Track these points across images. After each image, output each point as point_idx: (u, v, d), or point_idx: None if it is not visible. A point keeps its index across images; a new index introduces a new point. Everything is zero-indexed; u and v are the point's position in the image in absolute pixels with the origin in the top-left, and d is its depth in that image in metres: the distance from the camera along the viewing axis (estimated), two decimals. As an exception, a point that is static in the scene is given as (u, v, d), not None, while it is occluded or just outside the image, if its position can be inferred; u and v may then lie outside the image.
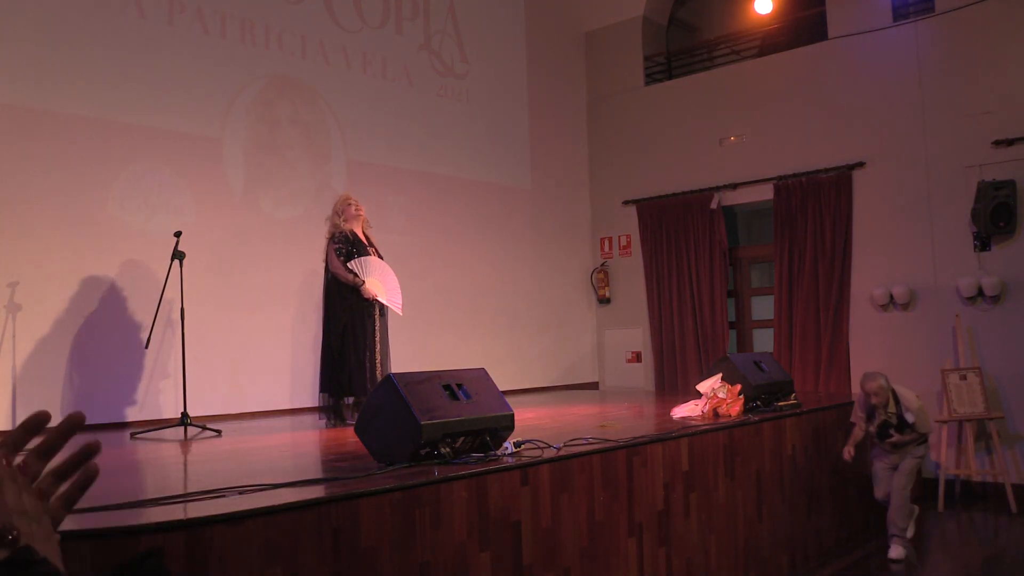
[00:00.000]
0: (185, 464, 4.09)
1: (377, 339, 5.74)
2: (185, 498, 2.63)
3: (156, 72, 6.11)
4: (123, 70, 5.95)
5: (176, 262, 5.39)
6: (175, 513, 2.42)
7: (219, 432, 5.11)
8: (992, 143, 7.03)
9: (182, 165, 6.20)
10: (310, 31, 7.08)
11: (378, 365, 5.71)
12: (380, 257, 5.95)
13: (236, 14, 6.60)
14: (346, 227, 5.79)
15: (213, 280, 6.18)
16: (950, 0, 7.29)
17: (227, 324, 6.28)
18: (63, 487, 0.79)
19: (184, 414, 5.25)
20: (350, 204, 5.91)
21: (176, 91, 6.21)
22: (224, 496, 2.60)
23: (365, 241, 5.88)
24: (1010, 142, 6.95)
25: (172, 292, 5.43)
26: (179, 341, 5.46)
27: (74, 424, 0.78)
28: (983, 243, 7.03)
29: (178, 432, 5.18)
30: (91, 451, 0.79)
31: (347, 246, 5.74)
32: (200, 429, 5.22)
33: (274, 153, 6.78)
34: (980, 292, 7.01)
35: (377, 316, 5.78)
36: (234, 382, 6.29)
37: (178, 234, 5.45)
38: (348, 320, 5.69)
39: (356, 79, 7.41)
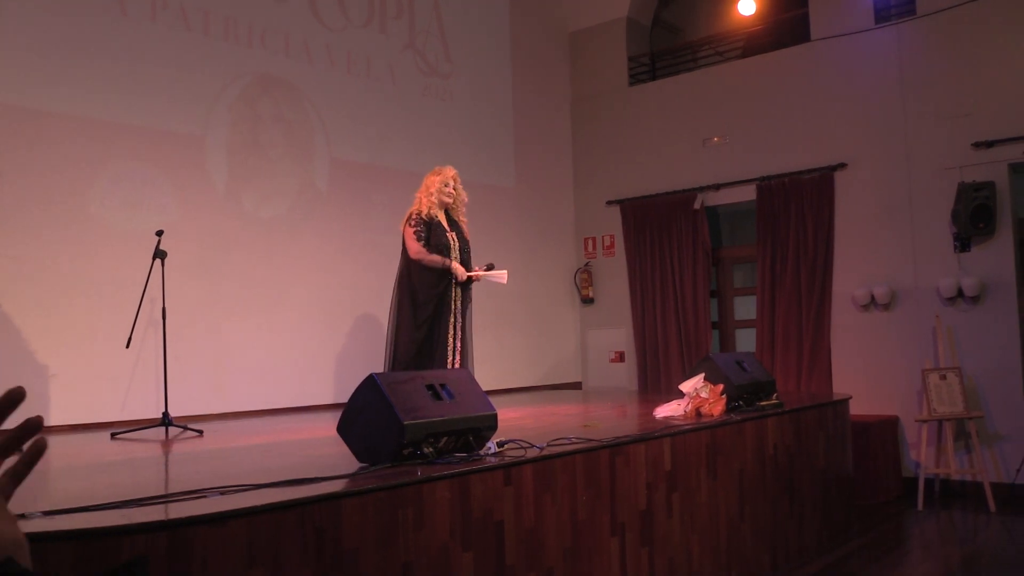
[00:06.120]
0: (166, 464, 4.06)
1: (455, 337, 5.47)
2: (166, 499, 2.62)
3: (138, 69, 6.07)
4: (105, 67, 5.91)
5: (158, 261, 5.35)
6: (156, 514, 2.40)
7: (201, 432, 5.08)
8: (972, 145, 7.09)
9: (164, 163, 6.16)
10: (294, 29, 7.06)
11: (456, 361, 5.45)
12: (466, 241, 5.68)
13: (219, 12, 6.56)
14: (430, 211, 5.49)
15: (195, 279, 6.15)
16: (932, 3, 7.35)
17: (209, 323, 6.25)
18: (9, 462, 0.79)
19: (165, 414, 5.22)
20: (448, 184, 5.55)
21: (158, 89, 6.17)
22: (206, 496, 2.58)
23: (447, 227, 5.58)
24: (990, 144, 7.01)
25: (154, 291, 5.40)
26: (160, 340, 5.43)
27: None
28: (963, 244, 7.09)
29: (159, 432, 5.16)
30: (33, 426, 0.79)
31: (425, 229, 5.46)
32: (181, 429, 5.19)
33: (257, 152, 6.75)
34: (960, 292, 7.07)
35: (458, 313, 5.51)
36: (216, 382, 6.26)
37: (160, 233, 5.42)
38: (433, 311, 5.42)
39: (340, 78, 7.39)
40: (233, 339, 6.40)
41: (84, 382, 5.64)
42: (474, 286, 5.76)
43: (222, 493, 2.63)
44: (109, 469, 3.82)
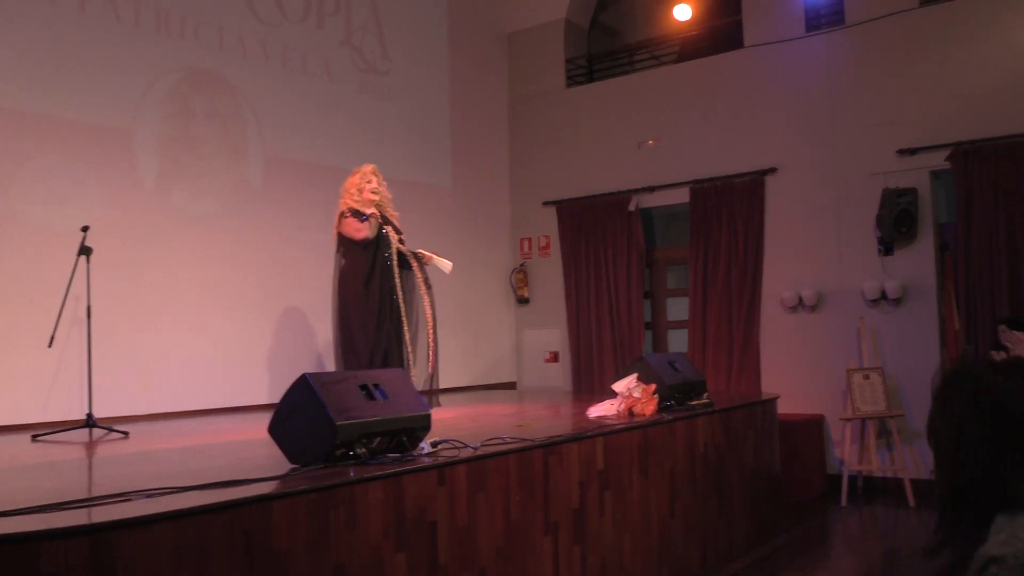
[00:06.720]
0: (90, 467, 3.96)
1: (406, 319, 5.43)
2: (89, 503, 2.55)
3: (65, 59, 5.89)
4: (30, 56, 5.72)
5: (83, 257, 5.21)
6: (78, 518, 2.34)
7: (126, 434, 4.96)
8: (896, 152, 7.32)
9: (91, 158, 5.99)
10: (228, 23, 6.93)
11: (407, 346, 5.41)
12: (399, 234, 5.66)
13: (150, 3, 6.41)
14: (359, 207, 5.49)
15: (122, 277, 5.99)
16: (859, 13, 7.57)
17: (136, 323, 6.10)
18: None
19: (89, 415, 5.09)
20: (369, 181, 5.54)
21: (85, 80, 6.00)
22: (130, 500, 2.53)
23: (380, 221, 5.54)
24: (913, 151, 7.24)
25: (78, 288, 5.25)
26: (85, 339, 5.29)
27: None
28: (886, 248, 7.32)
29: (83, 434, 5.02)
30: None
31: (360, 219, 5.43)
32: (106, 431, 5.06)
33: (188, 147, 6.61)
34: (883, 295, 7.29)
35: (406, 299, 5.47)
36: (143, 382, 6.11)
37: (85, 229, 5.28)
38: (372, 304, 5.39)
39: (275, 73, 7.28)
40: (161, 338, 6.25)
41: (4, 382, 5.45)
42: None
43: (148, 496, 2.58)
44: (29, 472, 3.71)
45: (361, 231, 5.41)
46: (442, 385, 8.21)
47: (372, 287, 5.46)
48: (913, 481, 6.87)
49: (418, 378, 5.53)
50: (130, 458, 4.04)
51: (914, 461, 7.12)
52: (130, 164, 6.24)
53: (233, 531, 2.48)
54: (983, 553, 1.34)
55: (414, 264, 5.63)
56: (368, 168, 5.72)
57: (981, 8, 7.07)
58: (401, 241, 5.70)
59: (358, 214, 5.47)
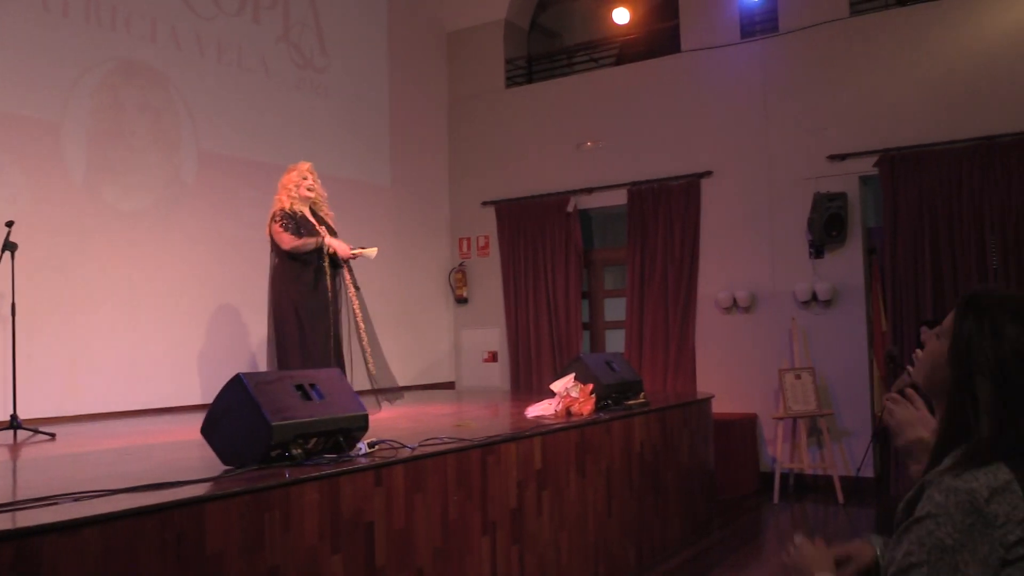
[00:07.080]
0: (14, 470, 3.84)
1: (334, 322, 5.39)
2: (13, 506, 2.48)
3: (-13, 50, 5.70)
4: (-51, 46, 5.52)
5: (7, 253, 5.05)
6: (2, 523, 2.27)
7: (53, 435, 4.82)
8: (827, 157, 7.51)
9: (16, 150, 5.80)
10: (161, 15, 6.77)
11: (335, 349, 5.38)
12: (335, 233, 5.60)
13: (79, -7, 6.23)
14: (293, 206, 5.45)
15: (49, 273, 5.82)
16: (793, 21, 7.74)
17: (63, 321, 5.92)
18: None
19: (14, 416, 4.93)
20: (306, 178, 5.51)
21: (11, 70, 5.80)
22: (57, 503, 2.46)
23: (314, 221, 5.51)
24: (843, 157, 7.44)
25: (2, 286, 5.09)
26: (9, 338, 5.12)
27: None
28: (817, 251, 7.50)
29: (7, 436, 4.86)
30: None
31: (293, 223, 5.38)
32: (32, 432, 4.91)
33: (119, 141, 6.44)
34: (814, 296, 7.47)
35: (333, 299, 5.42)
36: (71, 382, 5.94)
37: (10, 224, 5.11)
38: (306, 303, 5.32)
39: (210, 67, 7.15)
40: (90, 337, 6.08)
41: (-79, 382, 5.25)
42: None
43: (75, 499, 2.51)
44: (-51, 476, 3.58)
45: (286, 244, 5.37)
46: (380, 385, 8.17)
47: (306, 286, 5.40)
48: (842, 478, 7.06)
49: (368, 379, 5.53)
50: (57, 460, 3.93)
51: (843, 459, 7.30)
52: (58, 158, 6.06)
53: (165, 534, 2.43)
54: (931, 477, 1.35)
55: (344, 265, 5.60)
56: (304, 165, 5.66)
57: (910, 19, 7.29)
58: None
59: (288, 220, 5.40)
